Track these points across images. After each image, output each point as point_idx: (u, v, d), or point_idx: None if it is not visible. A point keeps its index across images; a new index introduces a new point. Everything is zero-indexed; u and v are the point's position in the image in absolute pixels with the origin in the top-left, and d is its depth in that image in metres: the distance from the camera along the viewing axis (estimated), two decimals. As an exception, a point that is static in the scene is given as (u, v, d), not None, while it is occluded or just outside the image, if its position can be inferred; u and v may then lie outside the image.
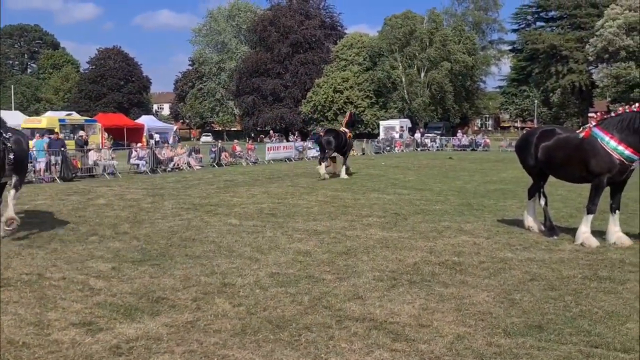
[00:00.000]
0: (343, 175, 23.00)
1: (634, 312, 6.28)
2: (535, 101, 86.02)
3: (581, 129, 10.46)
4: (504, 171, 25.58)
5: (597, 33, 72.16)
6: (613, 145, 9.46)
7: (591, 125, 10.10)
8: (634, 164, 9.60)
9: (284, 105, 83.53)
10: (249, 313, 6.29)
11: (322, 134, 24.84)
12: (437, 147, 52.99)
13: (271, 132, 77.92)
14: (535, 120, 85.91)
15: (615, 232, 9.84)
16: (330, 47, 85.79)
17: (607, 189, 9.95)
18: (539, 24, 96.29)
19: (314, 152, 39.13)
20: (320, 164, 22.82)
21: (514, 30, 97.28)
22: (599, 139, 9.64)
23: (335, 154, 23.90)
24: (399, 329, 5.80)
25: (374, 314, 6.24)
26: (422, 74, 76.23)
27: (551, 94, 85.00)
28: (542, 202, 10.98)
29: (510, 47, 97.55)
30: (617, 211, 9.91)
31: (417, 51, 75.12)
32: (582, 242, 9.69)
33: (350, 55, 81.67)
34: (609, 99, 75.95)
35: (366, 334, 5.69)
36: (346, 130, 24.83)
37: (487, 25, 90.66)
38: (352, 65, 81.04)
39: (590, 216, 9.85)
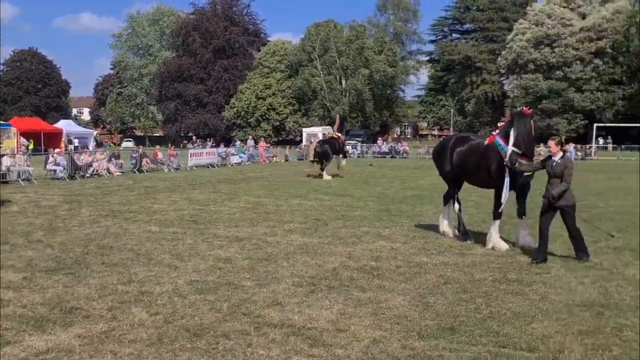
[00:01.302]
0: (343, 163, 26.84)
1: (539, 312, 6.52)
2: (452, 110, 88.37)
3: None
4: (421, 178, 26.11)
5: (508, 46, 74.89)
6: (505, 151, 9.70)
7: (495, 132, 10.42)
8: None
9: (207, 110, 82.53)
10: (166, 322, 6.16)
11: (318, 149, 26.47)
12: (358, 154, 53.59)
13: (194, 137, 76.80)
14: (451, 129, 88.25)
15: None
16: (253, 54, 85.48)
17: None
18: (455, 36, 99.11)
19: (237, 159, 38.89)
20: (322, 171, 25.66)
21: (432, 42, 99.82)
22: (497, 145, 9.93)
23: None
24: (317, 335, 5.81)
25: (292, 320, 6.23)
26: (344, 82, 76.99)
27: (466, 103, 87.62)
28: (456, 207, 11.25)
29: (428, 58, 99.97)
30: (523, 216, 10.22)
31: (336, 59, 75.74)
32: (492, 246, 9.98)
33: (272, 63, 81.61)
34: (519, 108, 78.80)
35: (284, 340, 5.66)
36: (339, 134, 27.55)
37: (406, 36, 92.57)
38: (275, 73, 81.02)
39: (497, 221, 10.13)
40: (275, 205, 16.15)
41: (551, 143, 9.09)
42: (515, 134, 9.49)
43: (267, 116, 79.64)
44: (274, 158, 44.16)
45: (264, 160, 41.93)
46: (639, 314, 6.42)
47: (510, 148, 9.44)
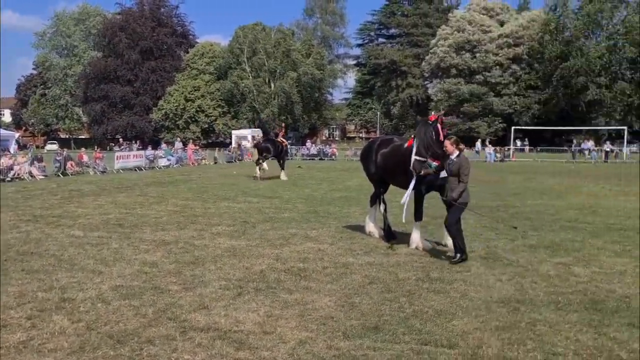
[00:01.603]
0: (283, 177, 26.53)
1: (460, 309, 6.68)
2: (378, 113, 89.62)
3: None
4: (349, 179, 26.35)
5: (432, 51, 76.72)
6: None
7: (413, 135, 10.61)
8: (442, 172, 9.68)
9: (135, 112, 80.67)
10: (88, 329, 5.98)
11: (262, 141, 28.33)
12: (287, 156, 53.58)
13: (120, 140, 75.00)
14: (377, 131, 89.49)
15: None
16: (182, 55, 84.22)
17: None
18: (381, 40, 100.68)
19: (165, 161, 38.20)
20: (257, 165, 26.89)
21: (359, 45, 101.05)
22: (412, 149, 10.13)
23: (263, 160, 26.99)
24: (243, 338, 5.77)
25: (219, 324, 6.17)
26: (272, 84, 76.87)
27: (392, 106, 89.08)
28: (382, 208, 11.40)
29: (355, 62, 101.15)
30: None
31: (264, 61, 75.54)
32: (415, 246, 10.16)
33: (201, 65, 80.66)
34: (443, 112, 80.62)
35: (210, 344, 5.60)
36: (283, 140, 28.79)
37: (334, 40, 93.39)
38: (204, 75, 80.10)
39: (419, 222, 10.31)
40: (203, 208, 15.96)
41: (447, 143, 9.23)
42: (417, 143, 9.76)
43: (196, 118, 78.66)
44: (203, 160, 43.65)
45: (192, 163, 41.34)
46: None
47: (413, 157, 9.67)
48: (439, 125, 9.74)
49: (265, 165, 27.04)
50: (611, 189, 21.73)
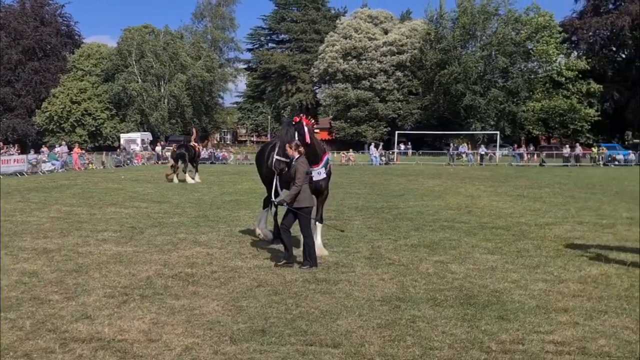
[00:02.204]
0: (197, 180, 26.84)
1: (344, 309, 6.80)
2: (269, 117, 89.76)
3: None
4: (239, 183, 26.21)
5: (320, 57, 77.75)
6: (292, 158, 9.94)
7: None
8: (313, 173, 9.61)
9: (16, 115, 76.01)
10: (-40, 345, 5.58)
11: (175, 149, 28.22)
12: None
13: (0, 143, 70.46)
14: (268, 135, 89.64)
15: (316, 245, 9.88)
16: (67, 56, 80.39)
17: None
18: (271, 45, 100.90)
19: (49, 166, 36.35)
20: (173, 172, 26.96)
21: (249, 50, 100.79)
22: None
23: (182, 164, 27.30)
24: (127, 347, 5.58)
25: (102, 333, 5.93)
26: (162, 87, 75.04)
27: (282, 111, 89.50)
28: (273, 211, 11.39)
29: (245, 66, 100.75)
30: (318, 223, 10.10)
31: (152, 64, 73.60)
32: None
33: (87, 66, 77.37)
34: (331, 116, 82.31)
35: (92, 355, 5.38)
36: (195, 144, 29.00)
37: (224, 44, 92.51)
38: (90, 76, 76.87)
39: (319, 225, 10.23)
40: (89, 214, 15.33)
41: (287, 147, 9.21)
42: (279, 143, 9.72)
43: (83, 121, 75.29)
44: (90, 165, 41.90)
45: (78, 168, 39.57)
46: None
47: (274, 156, 9.69)
48: (305, 128, 9.53)
49: (197, 177, 27.45)
50: (485, 189, 22.89)
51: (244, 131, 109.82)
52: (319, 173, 9.81)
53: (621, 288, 7.75)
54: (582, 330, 6.09)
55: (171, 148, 33.59)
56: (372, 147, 54.37)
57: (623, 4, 62.67)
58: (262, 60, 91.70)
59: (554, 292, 7.54)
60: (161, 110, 73.66)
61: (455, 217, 14.55)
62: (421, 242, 11.12)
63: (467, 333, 5.99)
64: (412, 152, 60.26)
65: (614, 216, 14.63)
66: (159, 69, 73.60)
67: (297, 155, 9.05)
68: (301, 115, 10.15)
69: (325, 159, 9.99)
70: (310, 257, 8.98)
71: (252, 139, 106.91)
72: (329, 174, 10.11)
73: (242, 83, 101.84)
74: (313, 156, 9.67)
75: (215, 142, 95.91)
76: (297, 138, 9.32)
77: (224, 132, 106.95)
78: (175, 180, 26.40)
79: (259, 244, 11.01)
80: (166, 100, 74.39)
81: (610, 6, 65.55)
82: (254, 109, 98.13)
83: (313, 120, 10.71)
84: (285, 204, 9.11)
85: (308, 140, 9.50)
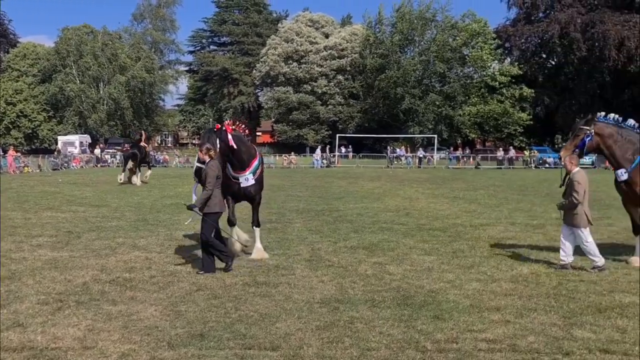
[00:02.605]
0: (147, 177, 28.02)
1: (283, 312, 6.79)
2: (211, 120, 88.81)
3: None
4: (180, 186, 25.83)
5: (262, 60, 77.49)
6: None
7: None
8: (240, 179, 9.67)
9: (-55, 116, 72.80)
10: None
11: (128, 148, 29.56)
12: (117, 163, 51.37)
13: None
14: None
15: (256, 248, 10.01)
16: (1, 56, 77.43)
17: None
18: (212, 47, 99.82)
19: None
20: (122, 172, 27.50)
21: (191, 52, 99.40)
22: None
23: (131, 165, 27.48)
24: (61, 355, 5.43)
25: (35, 341, 5.74)
26: (101, 89, 73.22)
27: (224, 114, 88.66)
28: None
29: (187, 68, 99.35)
30: (255, 227, 10.12)
31: (91, 65, 71.67)
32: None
33: (23, 66, 74.78)
34: (273, 119, 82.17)
35: (24, 364, 5.20)
36: (145, 145, 30.16)
37: (165, 46, 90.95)
38: (26, 77, 74.29)
39: (231, 228, 10.14)
40: (23, 218, 14.82)
41: (198, 151, 9.22)
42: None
43: (18, 123, 72.67)
44: (26, 168, 40.48)
45: (13, 171, 38.16)
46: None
47: (196, 164, 9.52)
48: (228, 135, 9.38)
49: (148, 172, 28.79)
50: (423, 192, 23.28)
51: (185, 134, 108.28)
52: (246, 179, 9.72)
53: (550, 286, 8.01)
54: (513, 327, 6.27)
55: (115, 150, 33.53)
56: (318, 150, 54.65)
57: (553, 13, 64.80)
58: (204, 63, 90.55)
59: (487, 292, 7.73)
60: (100, 112, 71.82)
61: (394, 219, 14.75)
62: (360, 244, 11.22)
63: (403, 333, 6.08)
64: (352, 155, 60.73)
65: (544, 217, 15.10)
66: (97, 70, 71.77)
67: (207, 159, 8.90)
68: (226, 121, 10.01)
69: (253, 164, 9.82)
70: (208, 263, 8.72)
71: (193, 141, 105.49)
72: (259, 180, 9.98)
73: (183, 85, 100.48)
74: (239, 162, 9.60)
75: (156, 144, 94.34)
76: (218, 144, 9.15)
77: (165, 134, 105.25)
78: (135, 180, 26.72)
79: (199, 247, 10.85)
80: (105, 102, 72.60)
81: (541, 15, 67.64)
82: (196, 111, 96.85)
83: (244, 126, 10.55)
84: (195, 209, 8.89)
85: (233, 145, 9.37)
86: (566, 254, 9.02)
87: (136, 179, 26.82)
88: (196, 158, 9.63)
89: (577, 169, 9.08)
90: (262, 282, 8.19)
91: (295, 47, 74.98)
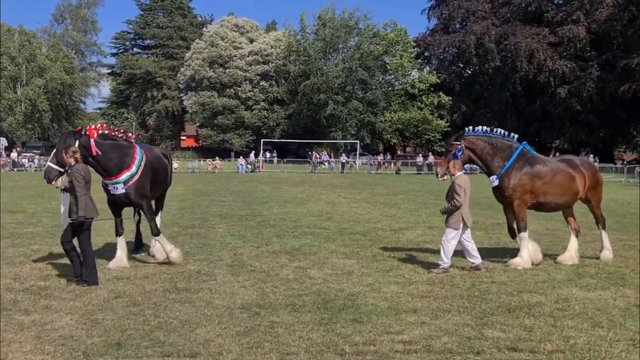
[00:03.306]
0: None
1: (204, 318, 6.69)
2: (134, 123, 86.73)
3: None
4: (101, 191, 24.96)
5: (187, 63, 76.34)
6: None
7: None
8: (109, 186, 9.57)
9: None
10: None
11: None
12: (35, 167, 49.31)
13: None
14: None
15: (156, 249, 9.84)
16: None
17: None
18: (136, 50, 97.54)
19: None
20: None
21: (113, 55, 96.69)
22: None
23: None
24: (-32, 368, 5.15)
25: (-61, 355, 5.43)
26: (17, 90, 70.09)
27: (148, 117, 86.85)
28: (136, 219, 10.96)
29: (109, 71, 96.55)
30: (154, 237, 9.82)
31: (6, 65, 68.48)
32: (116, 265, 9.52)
33: None
34: (198, 123, 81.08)
35: None
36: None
37: (86, 47, 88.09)
38: None
39: (118, 237, 9.87)
40: None
41: (63, 153, 8.73)
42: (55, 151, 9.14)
43: None
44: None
45: None
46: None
47: (48, 163, 9.21)
48: (91, 140, 9.08)
49: None
50: (345, 196, 23.53)
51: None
52: (115, 188, 9.46)
53: (464, 288, 8.26)
54: (429, 329, 6.41)
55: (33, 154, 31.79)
56: (251, 154, 54.44)
57: (468, 24, 67.04)
58: (127, 66, 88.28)
59: (404, 294, 7.88)
60: (17, 115, 68.73)
61: (316, 224, 14.83)
62: (283, 248, 11.21)
63: (323, 337, 6.10)
64: (277, 160, 60.71)
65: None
66: (14, 71, 68.69)
67: (73, 162, 8.53)
68: (89, 126, 9.62)
69: (124, 174, 9.43)
70: (90, 274, 8.25)
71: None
72: (136, 189, 9.52)
73: (105, 88, 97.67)
74: (105, 170, 9.34)
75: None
76: (77, 147, 8.74)
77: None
78: None
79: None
80: (22, 104, 69.52)
81: (458, 26, 69.89)
82: (119, 115, 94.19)
83: (123, 132, 10.17)
84: (79, 218, 8.42)
85: (97, 152, 9.08)
86: (473, 258, 9.37)
87: None
88: (50, 158, 9.08)
89: (460, 173, 9.48)
90: (183, 288, 8.05)
91: (220, 52, 74.28)
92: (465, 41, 64.01)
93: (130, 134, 10.25)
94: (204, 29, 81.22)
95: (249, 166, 50.03)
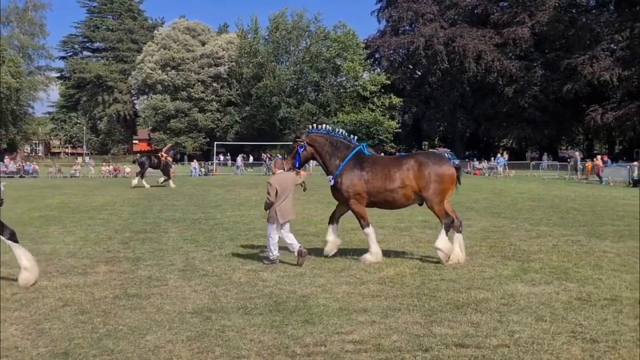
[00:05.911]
0: (171, 184, 31.21)
1: (154, 324, 6.58)
2: (84, 128, 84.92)
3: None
4: (50, 197, 24.42)
5: (138, 67, 75.16)
6: None
7: None
8: None
9: None
10: None
11: (138, 158, 33.55)
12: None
13: None
14: (84, 147, 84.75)
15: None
16: None
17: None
18: (86, 53, 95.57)
19: None
20: (135, 177, 31.50)
21: (62, 58, 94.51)
22: None
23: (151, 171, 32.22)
24: None
25: None
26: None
27: (99, 122, 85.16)
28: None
29: (58, 74, 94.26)
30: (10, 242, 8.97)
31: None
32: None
33: None
34: (150, 127, 79.88)
35: None
36: (165, 155, 32.91)
37: (34, 51, 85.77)
38: None
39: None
40: None
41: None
42: None
43: None
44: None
45: None
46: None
47: None
48: None
49: (161, 179, 32.02)
50: (299, 198, 23.48)
51: (57, 142, 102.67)
52: None
53: (414, 286, 8.34)
54: (378, 328, 6.45)
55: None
56: (217, 157, 54.04)
57: (417, 26, 67.88)
58: (76, 69, 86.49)
59: (355, 294, 7.91)
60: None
61: (270, 226, 14.73)
62: (235, 251, 11.13)
63: (274, 339, 6.08)
64: (231, 163, 60.30)
65: (410, 220, 15.70)
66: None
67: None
68: None
69: None
70: None
71: (66, 150, 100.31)
72: None
73: (54, 92, 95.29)
74: None
75: (25, 154, 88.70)
76: None
77: (35, 143, 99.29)
78: (134, 183, 30.27)
79: (67, 261, 10.32)
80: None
81: (407, 28, 70.69)
82: (68, 119, 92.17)
83: None
84: None
85: None
86: (292, 247, 9.82)
87: (134, 181, 30.44)
88: None
89: (279, 171, 10.00)
90: (134, 294, 7.90)
91: (172, 55, 73.44)
92: (415, 43, 64.79)
93: None
94: (156, 31, 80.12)
95: (202, 169, 49.53)
